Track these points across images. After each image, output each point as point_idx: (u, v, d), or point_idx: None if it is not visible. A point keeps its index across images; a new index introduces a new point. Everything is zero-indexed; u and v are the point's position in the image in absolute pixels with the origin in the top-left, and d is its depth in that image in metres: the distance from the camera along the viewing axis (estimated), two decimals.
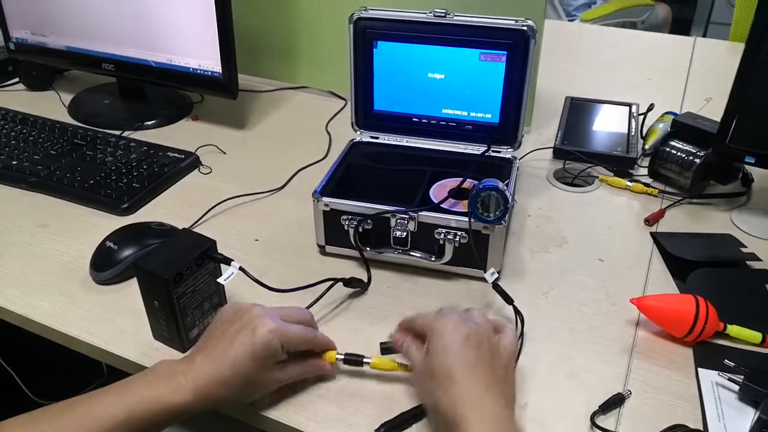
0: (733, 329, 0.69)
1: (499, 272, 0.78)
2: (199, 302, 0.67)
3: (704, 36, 3.00)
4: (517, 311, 0.71)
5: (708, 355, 0.67)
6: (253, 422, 0.63)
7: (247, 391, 0.60)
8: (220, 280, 0.67)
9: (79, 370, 1.07)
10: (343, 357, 0.65)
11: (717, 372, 0.65)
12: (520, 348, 0.69)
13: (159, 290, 0.64)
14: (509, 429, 0.53)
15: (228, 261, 0.67)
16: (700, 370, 0.66)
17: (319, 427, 0.61)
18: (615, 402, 0.62)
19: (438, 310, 0.62)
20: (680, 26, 3.15)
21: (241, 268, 0.67)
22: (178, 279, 0.63)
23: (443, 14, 0.82)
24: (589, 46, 1.56)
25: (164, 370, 0.58)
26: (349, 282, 0.75)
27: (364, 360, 0.64)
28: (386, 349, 0.67)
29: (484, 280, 0.76)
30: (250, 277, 0.68)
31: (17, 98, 1.22)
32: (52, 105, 1.18)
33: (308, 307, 0.71)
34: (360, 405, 0.63)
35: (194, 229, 0.87)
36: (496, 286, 0.71)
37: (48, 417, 0.54)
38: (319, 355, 0.65)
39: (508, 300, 0.70)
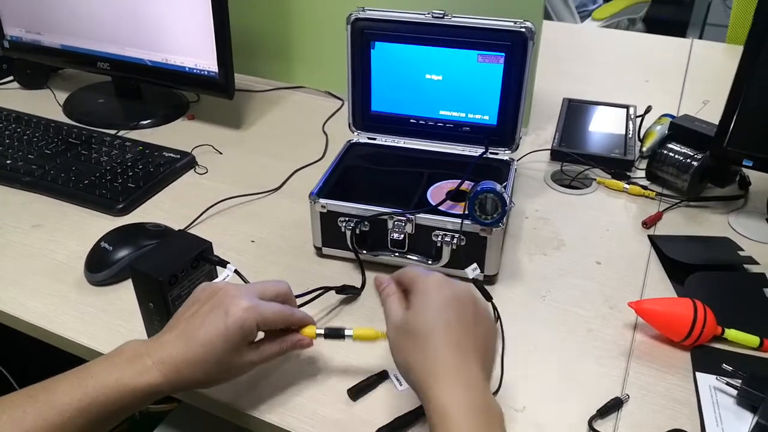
0: (731, 333, 0.68)
1: (496, 275, 0.78)
2: None
3: (701, 38, 3.01)
4: (495, 308, 0.70)
5: (706, 359, 0.67)
6: (245, 424, 0.63)
7: (219, 373, 0.57)
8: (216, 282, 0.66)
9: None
10: (323, 332, 0.62)
11: (715, 376, 0.65)
12: (503, 346, 0.68)
13: (154, 292, 0.63)
14: (482, 397, 0.50)
15: (224, 263, 0.67)
16: (698, 374, 0.66)
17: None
18: (613, 406, 0.62)
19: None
20: (677, 28, 3.15)
21: (236, 271, 0.67)
22: (173, 281, 0.63)
23: (441, 15, 0.82)
24: (586, 47, 1.56)
25: (129, 351, 0.55)
26: (341, 290, 0.74)
27: (346, 332, 0.61)
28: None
29: (482, 281, 0.76)
30: (245, 281, 0.67)
31: (12, 97, 1.21)
32: (46, 104, 1.18)
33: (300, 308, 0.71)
34: (356, 407, 0.62)
35: (190, 230, 0.86)
36: (476, 281, 0.70)
37: (5, 406, 0.52)
38: (296, 331, 0.62)
39: (487, 297, 0.69)
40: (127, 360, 0.55)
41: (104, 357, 0.56)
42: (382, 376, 0.65)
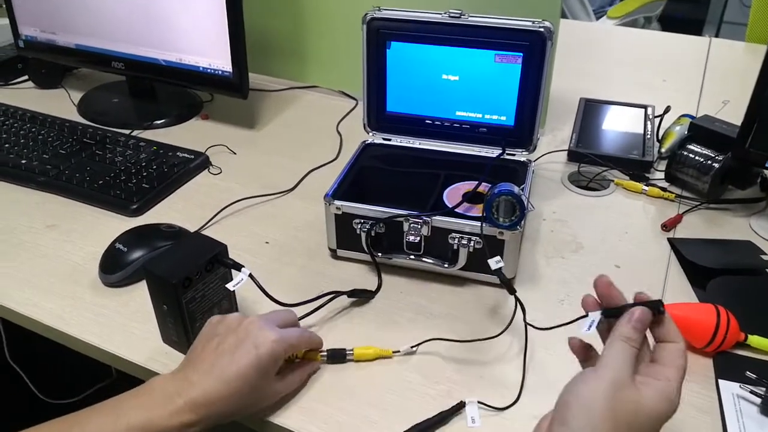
0: (755, 339, 0.67)
1: (513, 278, 0.77)
2: (208, 307, 0.66)
3: (717, 36, 2.98)
4: (519, 302, 0.68)
5: (729, 366, 0.66)
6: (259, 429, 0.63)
7: (249, 406, 0.59)
8: (229, 286, 0.66)
9: (88, 370, 1.07)
10: (326, 354, 0.65)
11: (738, 384, 0.63)
12: (526, 340, 0.68)
13: (168, 294, 0.63)
14: None
15: (238, 266, 0.66)
16: (720, 381, 0.64)
17: None
18: None
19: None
20: (693, 26, 3.12)
21: (250, 275, 0.66)
22: (187, 284, 0.62)
23: (458, 15, 0.81)
24: (602, 45, 1.54)
25: (159, 391, 0.55)
26: (352, 293, 0.73)
27: (347, 354, 0.66)
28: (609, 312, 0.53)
29: (498, 285, 0.75)
30: (258, 286, 0.66)
31: (26, 96, 1.21)
32: (61, 103, 1.18)
33: (309, 314, 0.70)
34: (370, 411, 0.62)
35: (204, 231, 0.86)
36: (499, 274, 0.69)
37: None
38: (306, 360, 0.65)
39: (511, 290, 0.68)
40: (158, 401, 0.55)
41: (134, 393, 0.56)
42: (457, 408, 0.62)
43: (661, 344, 0.51)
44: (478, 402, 0.62)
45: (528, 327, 0.67)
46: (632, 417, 0.46)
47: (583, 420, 0.45)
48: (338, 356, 0.66)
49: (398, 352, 0.67)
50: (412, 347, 0.67)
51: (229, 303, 0.70)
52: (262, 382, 0.58)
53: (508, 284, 0.68)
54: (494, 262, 0.69)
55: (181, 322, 0.64)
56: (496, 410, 0.62)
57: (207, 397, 0.55)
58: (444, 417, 0.61)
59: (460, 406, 0.62)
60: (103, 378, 1.17)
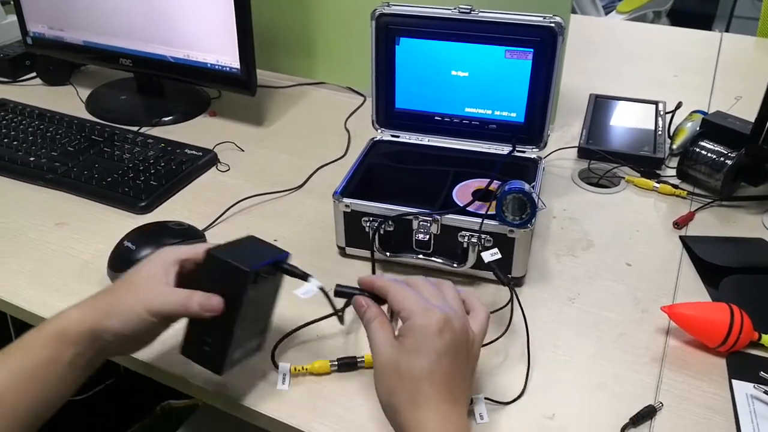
0: None
1: (523, 277, 0.76)
2: (255, 318, 0.61)
3: (727, 31, 2.95)
4: (513, 292, 0.68)
5: (742, 366, 0.65)
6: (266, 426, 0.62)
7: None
8: (298, 293, 0.60)
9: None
10: (337, 364, 0.64)
11: (752, 384, 0.62)
12: (527, 332, 0.67)
13: (233, 286, 0.56)
14: None
15: (305, 276, 0.61)
16: (734, 381, 0.64)
17: None
18: (646, 414, 0.60)
19: (407, 281, 0.57)
20: (703, 20, 3.09)
21: (321, 289, 0.61)
22: (255, 279, 0.57)
23: (468, 10, 0.80)
24: (612, 41, 1.53)
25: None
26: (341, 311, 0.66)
27: (358, 362, 0.65)
28: (342, 293, 0.59)
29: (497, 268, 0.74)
30: (329, 299, 0.61)
31: (35, 93, 1.21)
32: (69, 100, 1.18)
33: (326, 318, 0.69)
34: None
35: (212, 229, 0.85)
36: (493, 267, 0.69)
37: None
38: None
39: (504, 282, 0.67)
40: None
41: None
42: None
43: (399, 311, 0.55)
44: (485, 398, 0.62)
45: (527, 320, 0.67)
46: (420, 378, 0.51)
47: (388, 409, 0.53)
48: (349, 365, 0.65)
49: None
50: None
51: (266, 322, 0.64)
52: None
53: (501, 277, 0.67)
54: (488, 255, 0.68)
55: (227, 325, 0.57)
56: (502, 405, 0.62)
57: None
58: None
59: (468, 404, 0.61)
60: (111, 375, 1.18)
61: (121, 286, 0.59)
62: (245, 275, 0.56)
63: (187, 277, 0.59)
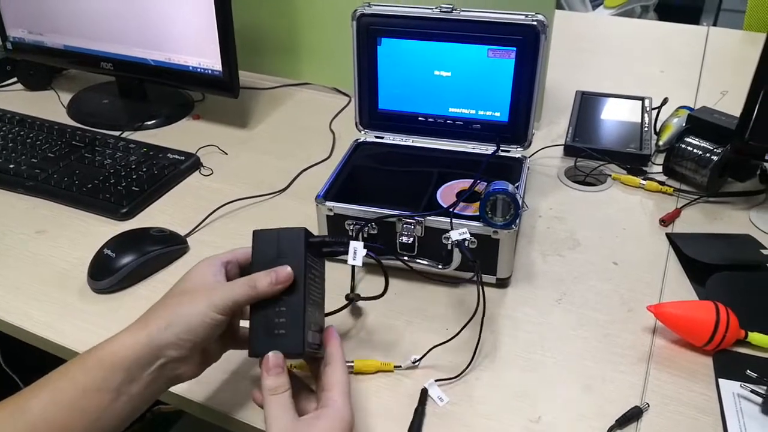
0: (755, 337, 0.66)
1: (509, 278, 0.76)
2: (315, 300, 0.57)
3: (715, 24, 2.95)
4: (478, 270, 0.67)
5: (729, 364, 0.65)
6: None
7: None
8: (350, 260, 0.58)
9: None
10: None
11: (739, 383, 0.62)
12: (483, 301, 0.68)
13: (291, 249, 0.54)
14: None
15: (345, 243, 0.59)
16: (720, 380, 0.63)
17: None
18: (632, 416, 0.59)
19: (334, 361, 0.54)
20: (690, 14, 3.09)
21: (365, 245, 0.59)
22: (308, 245, 0.55)
23: (449, 9, 0.79)
24: (598, 36, 1.52)
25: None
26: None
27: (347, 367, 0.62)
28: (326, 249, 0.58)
29: (494, 285, 0.74)
30: (377, 260, 0.62)
31: (16, 99, 1.19)
32: (51, 105, 1.16)
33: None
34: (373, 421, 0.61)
35: (196, 234, 0.84)
36: (461, 245, 0.69)
37: None
38: None
39: (471, 260, 0.68)
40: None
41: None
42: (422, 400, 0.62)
43: (323, 369, 0.54)
44: (435, 380, 0.63)
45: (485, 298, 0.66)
46: None
47: None
48: None
49: (399, 367, 0.65)
50: (413, 362, 0.65)
51: (323, 311, 0.60)
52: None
53: (468, 256, 0.68)
54: (457, 234, 0.68)
55: (297, 297, 0.53)
56: (452, 380, 0.63)
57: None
58: (420, 413, 0.60)
59: (424, 394, 0.62)
60: None
61: (173, 297, 0.54)
62: (299, 231, 0.55)
63: (234, 278, 0.57)
